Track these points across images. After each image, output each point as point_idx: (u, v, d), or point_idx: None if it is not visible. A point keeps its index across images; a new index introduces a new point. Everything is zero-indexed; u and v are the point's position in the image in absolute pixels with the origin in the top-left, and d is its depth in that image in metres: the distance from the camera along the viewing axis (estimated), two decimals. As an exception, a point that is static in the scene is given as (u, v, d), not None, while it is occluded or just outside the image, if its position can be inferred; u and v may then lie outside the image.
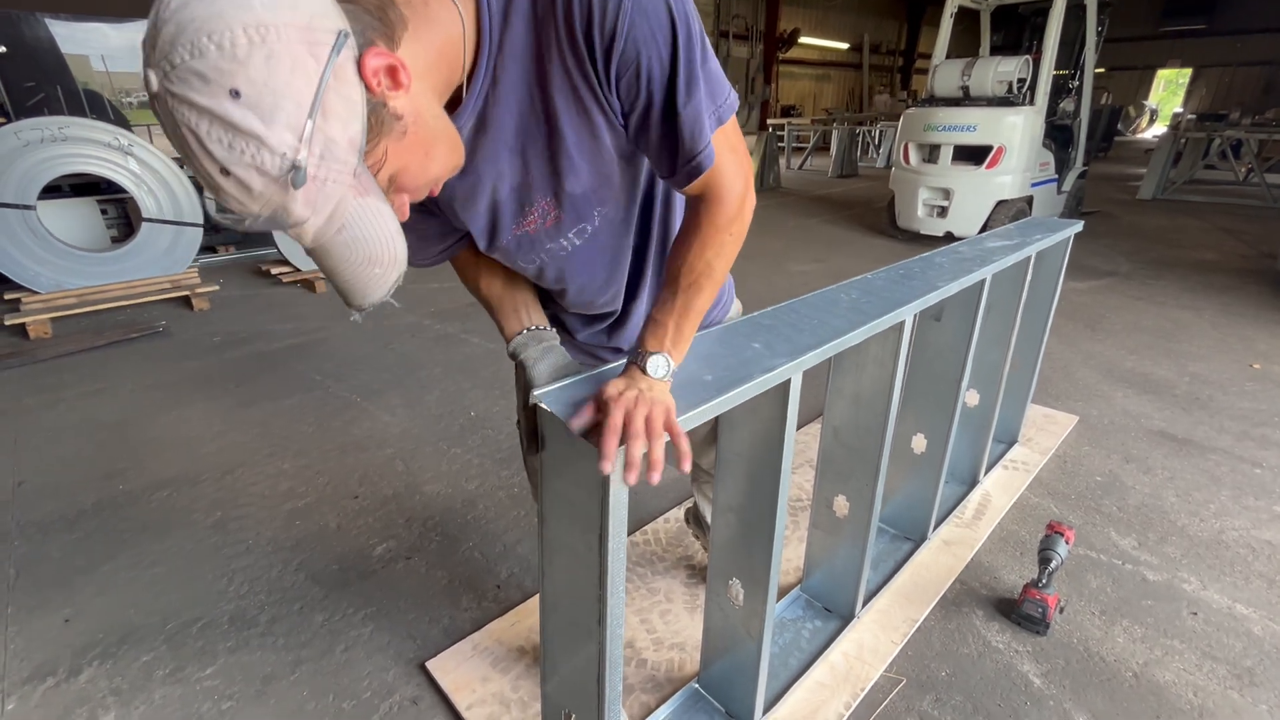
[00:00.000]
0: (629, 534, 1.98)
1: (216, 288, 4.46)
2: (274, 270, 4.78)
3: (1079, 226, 2.16)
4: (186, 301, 4.26)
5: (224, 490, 2.24)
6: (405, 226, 0.65)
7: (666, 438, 0.82)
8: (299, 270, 4.69)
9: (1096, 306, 4.19)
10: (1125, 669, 1.52)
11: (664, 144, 0.76)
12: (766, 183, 9.60)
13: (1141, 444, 2.53)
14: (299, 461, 2.44)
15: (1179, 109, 20.17)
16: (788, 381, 1.07)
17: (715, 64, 0.75)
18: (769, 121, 14.92)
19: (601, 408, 0.81)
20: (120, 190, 4.42)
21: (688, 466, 0.82)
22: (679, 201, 1.01)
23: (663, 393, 0.84)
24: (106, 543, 1.98)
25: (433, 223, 0.92)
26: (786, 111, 16.18)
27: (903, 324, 1.34)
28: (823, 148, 13.81)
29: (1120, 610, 1.70)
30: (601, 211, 0.90)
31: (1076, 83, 6.40)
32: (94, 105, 5.09)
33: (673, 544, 1.94)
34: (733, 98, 0.78)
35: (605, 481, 0.84)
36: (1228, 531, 2.01)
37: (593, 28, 0.67)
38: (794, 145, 13.39)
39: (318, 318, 4.06)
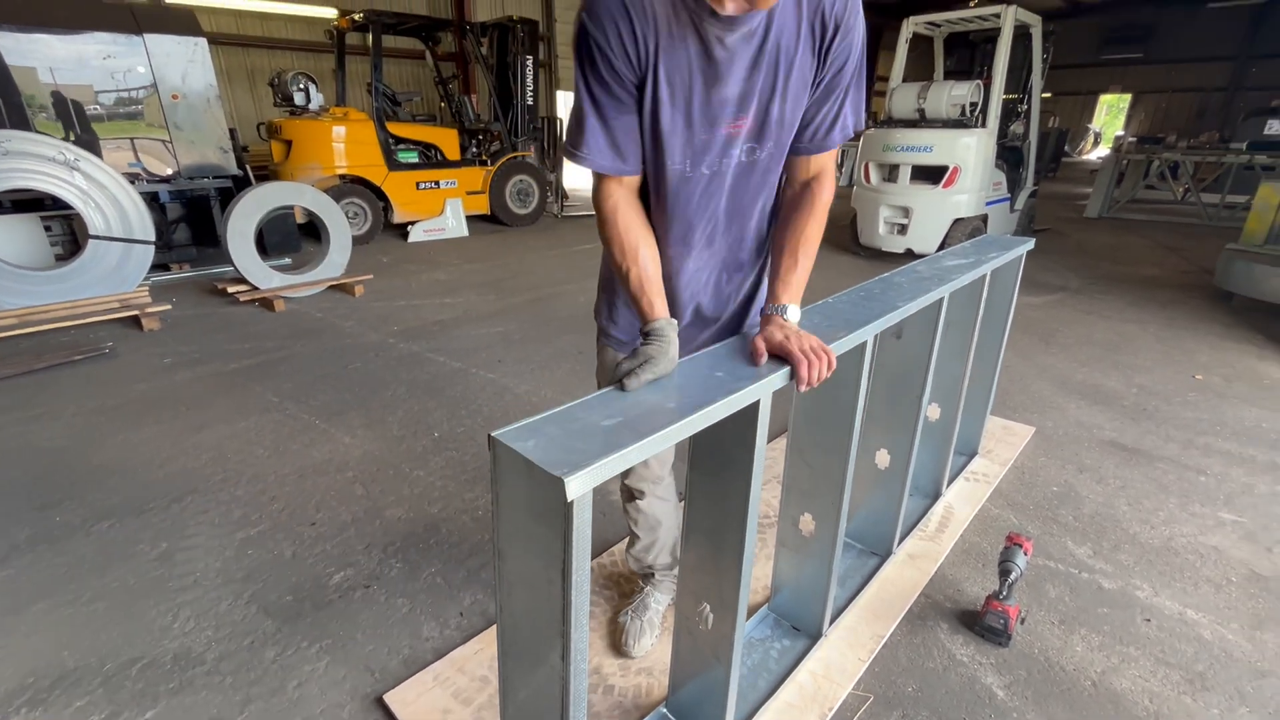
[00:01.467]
0: (595, 556, 1.96)
1: (168, 307, 4.31)
2: (231, 289, 4.63)
3: (1031, 244, 2.24)
4: (136, 322, 4.09)
5: (171, 520, 2.14)
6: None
7: None
8: (256, 289, 4.55)
9: (1050, 321, 4.34)
10: (1084, 678, 1.55)
11: (831, 110, 1.09)
12: (733, 200, 9.72)
13: (1094, 454, 2.61)
14: (253, 487, 2.34)
15: (1120, 132, 21.25)
16: (756, 403, 1.08)
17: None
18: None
19: (775, 348, 1.09)
20: (65, 206, 4.24)
21: (828, 374, 1.08)
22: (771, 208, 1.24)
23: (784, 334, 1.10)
24: (40, 580, 1.86)
25: (633, 121, 1.05)
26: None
27: (864, 345, 1.36)
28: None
29: (1078, 619, 1.74)
30: (770, 146, 1.11)
31: (1025, 106, 6.69)
32: (61, 112, 4.93)
33: (641, 565, 1.92)
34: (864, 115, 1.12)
35: (568, 513, 0.82)
36: (1176, 538, 2.08)
37: (830, 13, 1.00)
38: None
39: (276, 337, 3.95)
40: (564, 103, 16.44)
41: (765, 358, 1.09)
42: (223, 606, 1.76)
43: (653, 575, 1.70)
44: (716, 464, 1.20)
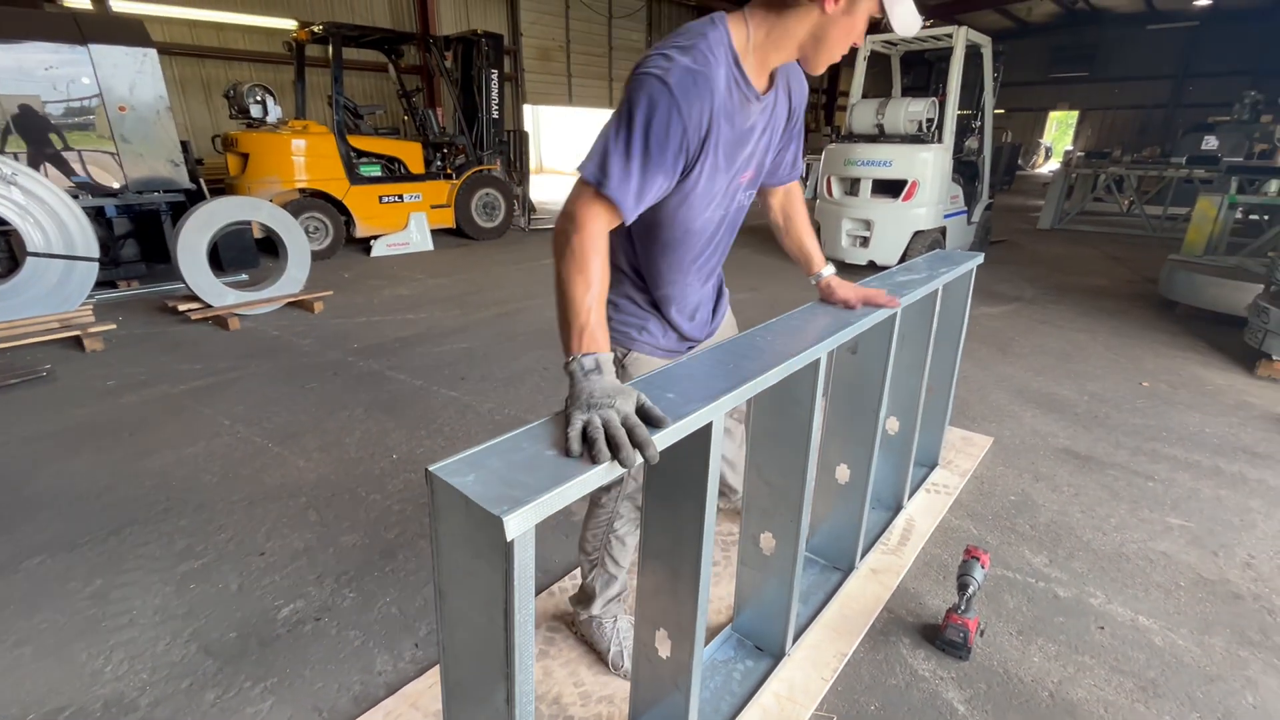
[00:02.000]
0: (558, 579, 1.92)
1: (113, 326, 4.13)
2: (182, 306, 4.47)
3: (980, 259, 2.29)
4: (78, 342, 3.91)
5: (107, 554, 2.03)
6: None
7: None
8: (209, 306, 4.40)
9: (1007, 330, 4.46)
10: (1042, 689, 1.57)
11: (794, 152, 1.44)
12: (700, 213, 9.81)
13: (1049, 462, 2.68)
14: (199, 516, 2.24)
15: (1069, 147, 22.15)
16: (709, 425, 1.06)
17: None
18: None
19: (860, 298, 1.56)
20: (2, 222, 4.05)
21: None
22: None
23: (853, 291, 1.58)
24: (-41, 623, 1.74)
25: (662, 185, 1.13)
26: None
27: (818, 361, 1.36)
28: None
29: (1035, 629, 1.76)
30: (755, 187, 1.39)
31: (979, 122, 6.91)
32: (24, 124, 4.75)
33: (603, 587, 1.88)
34: None
35: (509, 551, 0.78)
36: (1127, 544, 2.13)
37: (797, 90, 1.33)
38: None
39: (230, 356, 3.81)
40: (530, 116, 16.44)
41: (861, 303, 1.56)
42: (160, 646, 1.67)
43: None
44: (670, 488, 1.18)
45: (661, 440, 0.95)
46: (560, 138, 19.60)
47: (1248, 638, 1.73)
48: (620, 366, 1.39)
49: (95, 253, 4.30)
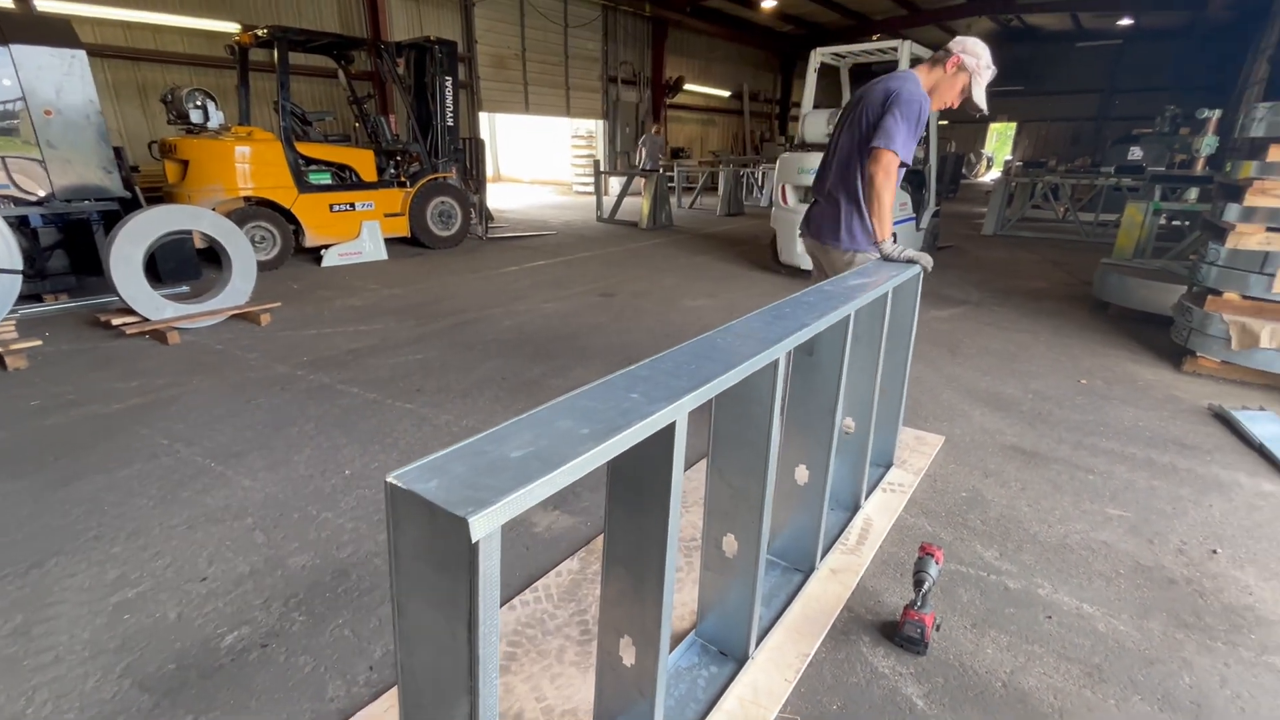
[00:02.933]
0: (518, 593, 1.88)
1: (39, 343, 3.88)
2: (115, 321, 4.23)
3: (920, 266, 2.36)
4: (-2, 360, 3.66)
5: (29, 587, 1.89)
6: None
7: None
8: (146, 320, 4.19)
9: (955, 332, 4.62)
10: (995, 679, 1.61)
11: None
12: (659, 221, 9.89)
13: (998, 459, 2.77)
14: (134, 543, 2.11)
15: (1009, 157, 23.22)
16: (672, 425, 1.06)
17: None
18: (660, 163, 15.49)
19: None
20: (-89, 233, 3.77)
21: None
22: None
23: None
24: None
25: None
26: (676, 153, 16.89)
27: (777, 361, 1.37)
28: (711, 188, 14.51)
29: (988, 621, 1.81)
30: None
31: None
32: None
33: (565, 598, 1.86)
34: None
35: (473, 556, 0.76)
36: (1071, 535, 2.22)
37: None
38: (684, 185, 13.97)
39: (169, 373, 3.63)
40: (486, 124, 16.29)
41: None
42: (89, 684, 1.56)
43: None
44: (634, 491, 1.17)
45: (626, 440, 0.95)
46: (518, 145, 19.49)
47: (1182, 620, 1.82)
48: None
49: (18, 265, 4.03)
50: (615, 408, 1.01)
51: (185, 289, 5.35)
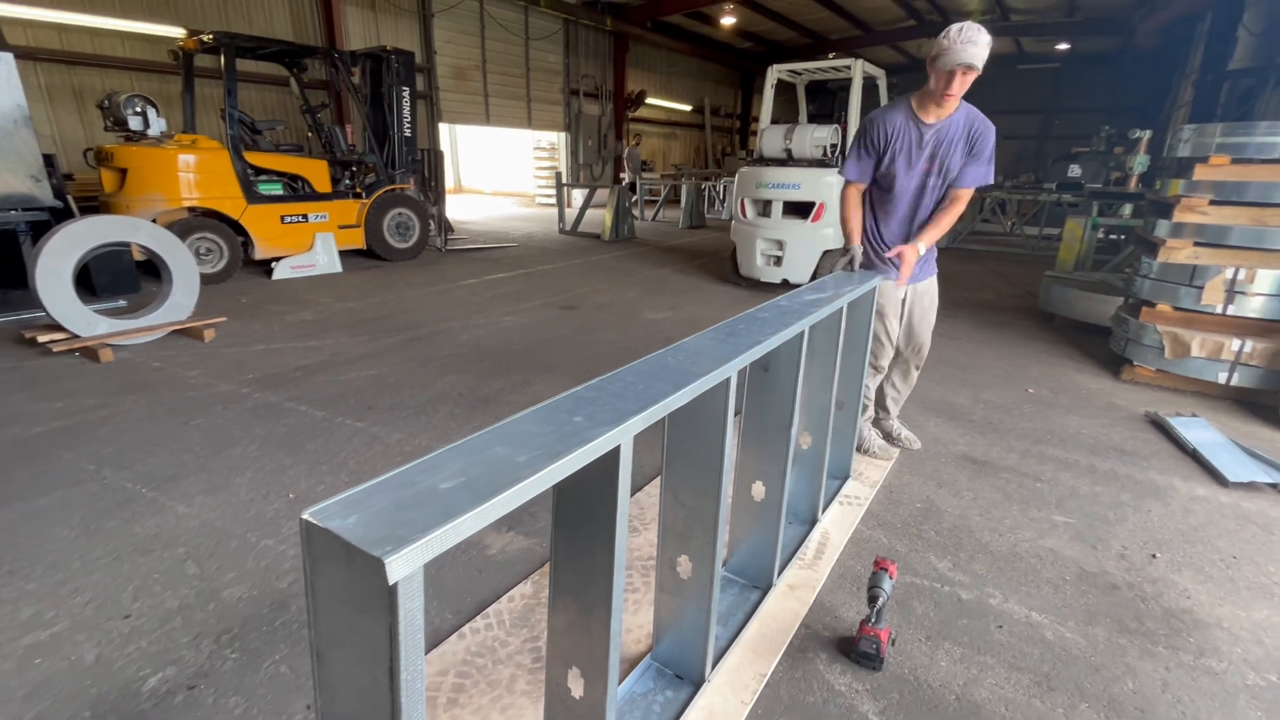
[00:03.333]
0: (469, 619, 1.81)
1: (-45, 362, 3.62)
2: (42, 338, 3.98)
3: (879, 279, 2.40)
4: (-93, 381, 3.40)
5: (-72, 631, 1.73)
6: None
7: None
8: (77, 337, 3.95)
9: (909, 343, 4.71)
10: (949, 693, 1.62)
11: (969, 170, 2.47)
12: (621, 233, 9.91)
13: (951, 469, 2.82)
14: (51, 578, 1.97)
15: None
16: (616, 449, 1.03)
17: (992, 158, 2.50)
18: (622, 175, 15.56)
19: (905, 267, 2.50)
20: None
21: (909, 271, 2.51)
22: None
23: (913, 252, 2.49)
24: None
25: (870, 165, 2.55)
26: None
27: (728, 380, 1.36)
28: (673, 200, 14.63)
29: (942, 633, 1.83)
30: (938, 179, 2.48)
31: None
32: None
33: (518, 624, 1.80)
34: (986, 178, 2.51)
35: (393, 600, 0.71)
36: (1020, 544, 2.27)
37: (974, 132, 2.44)
38: (646, 198, 14.05)
39: (100, 393, 3.43)
40: (446, 135, 16.13)
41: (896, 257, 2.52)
42: (-9, 738, 1.43)
43: None
44: (580, 516, 1.13)
45: (566, 467, 0.91)
46: (480, 157, 19.32)
47: (1125, 626, 1.87)
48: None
49: (-68, 279, 3.77)
50: (556, 432, 0.97)
51: (122, 303, 5.09)
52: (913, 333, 2.80)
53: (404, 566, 0.69)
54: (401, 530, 0.72)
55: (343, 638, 0.81)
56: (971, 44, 2.15)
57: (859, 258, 2.58)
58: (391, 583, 0.68)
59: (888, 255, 2.54)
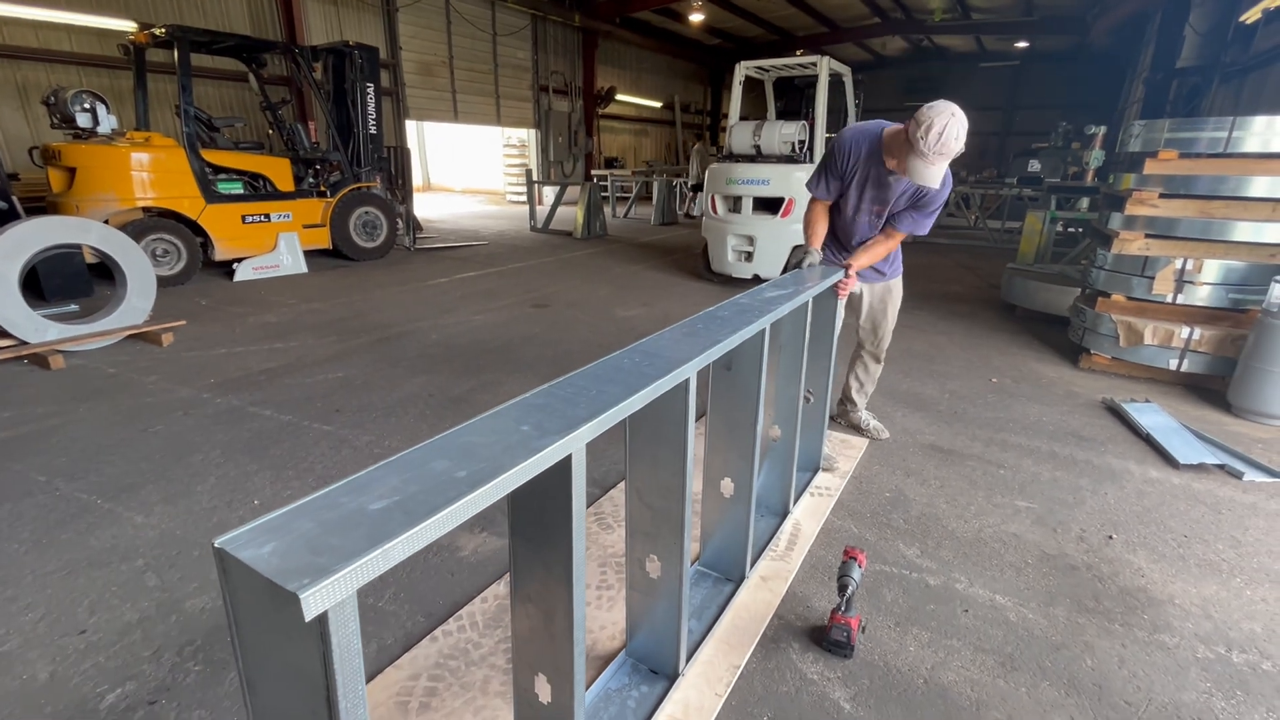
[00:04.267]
0: (441, 622, 1.79)
1: (-109, 372, 3.45)
2: (-13, 345, 3.81)
3: (842, 274, 2.43)
4: None
5: None
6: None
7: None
8: (24, 343, 3.79)
9: (877, 336, 4.79)
10: (917, 677, 1.65)
11: (905, 218, 2.52)
12: (593, 230, 9.87)
13: (918, 457, 2.88)
14: (0, 595, 1.88)
15: (925, 167, 24.59)
16: (568, 458, 1.01)
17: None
18: (593, 173, 15.50)
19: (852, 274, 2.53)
20: None
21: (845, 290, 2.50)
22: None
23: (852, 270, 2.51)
24: None
25: (837, 186, 2.56)
26: (609, 163, 16.93)
27: (687, 381, 1.36)
28: (645, 197, 14.62)
29: (910, 619, 1.87)
30: (882, 217, 2.56)
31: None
32: None
33: (491, 625, 1.78)
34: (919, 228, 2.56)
35: (324, 632, 0.67)
36: (985, 529, 2.33)
37: (920, 189, 2.42)
38: (618, 195, 14.01)
39: (50, 401, 3.30)
40: (414, 132, 15.86)
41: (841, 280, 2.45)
42: (-64, 764, 1.37)
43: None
44: (534, 526, 1.12)
45: (509, 481, 0.87)
46: (449, 154, 19.05)
47: (1084, 605, 1.93)
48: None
49: None
50: (501, 443, 0.94)
51: (74, 308, 4.90)
52: (874, 328, 2.95)
53: (324, 600, 0.64)
54: (322, 559, 0.67)
55: (274, 669, 0.76)
56: (941, 157, 2.11)
57: (816, 263, 2.55)
58: (311, 617, 0.63)
59: (842, 263, 2.58)
